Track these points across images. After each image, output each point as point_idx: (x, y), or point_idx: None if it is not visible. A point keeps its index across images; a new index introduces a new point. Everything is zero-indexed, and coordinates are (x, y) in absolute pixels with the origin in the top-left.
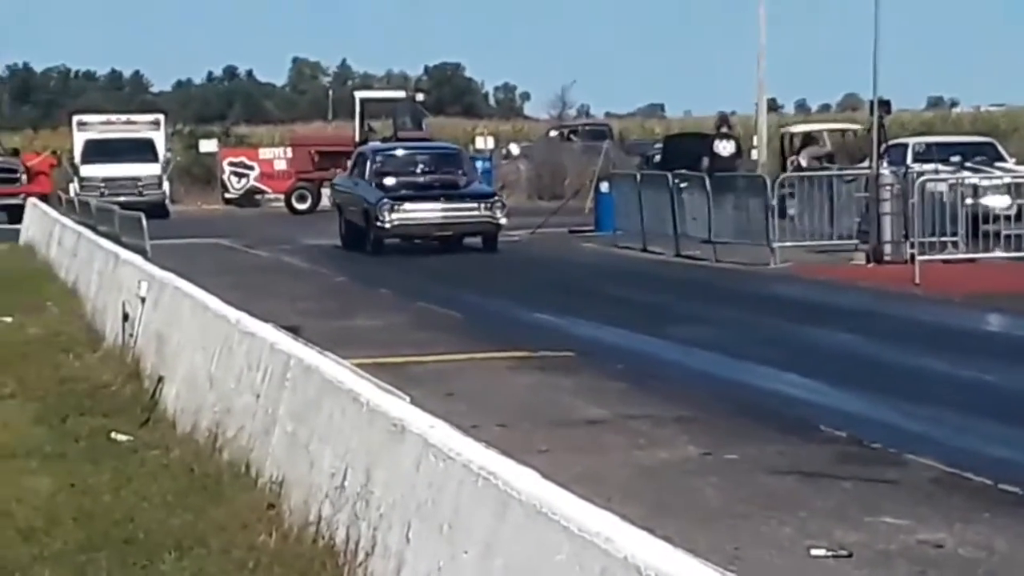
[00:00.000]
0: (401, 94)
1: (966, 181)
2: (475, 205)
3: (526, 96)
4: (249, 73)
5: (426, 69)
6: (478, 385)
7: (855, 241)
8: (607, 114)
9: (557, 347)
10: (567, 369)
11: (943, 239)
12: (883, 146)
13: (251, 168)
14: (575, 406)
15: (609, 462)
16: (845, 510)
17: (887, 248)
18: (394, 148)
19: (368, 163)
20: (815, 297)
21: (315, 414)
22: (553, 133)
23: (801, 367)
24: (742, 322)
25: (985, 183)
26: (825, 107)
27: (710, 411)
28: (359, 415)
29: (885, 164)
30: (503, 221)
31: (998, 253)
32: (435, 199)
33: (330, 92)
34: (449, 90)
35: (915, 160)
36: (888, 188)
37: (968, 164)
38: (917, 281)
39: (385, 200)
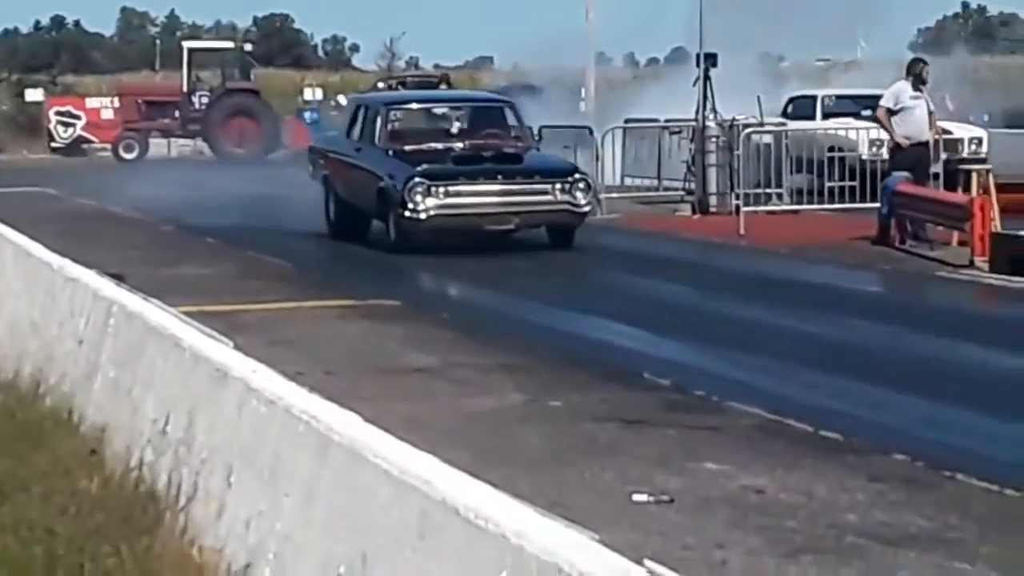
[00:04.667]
0: (229, 44)
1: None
2: (546, 186)
3: (355, 48)
4: (77, 23)
5: (255, 20)
6: (305, 333)
7: (681, 192)
8: (436, 66)
9: (385, 296)
10: (394, 318)
11: (768, 191)
12: (788, 103)
13: (78, 117)
14: (402, 354)
15: (435, 409)
16: (667, 457)
17: (713, 199)
18: (411, 99)
19: (378, 120)
20: (641, 248)
21: (138, 360)
22: (381, 84)
23: (627, 317)
24: (569, 272)
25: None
26: (653, 60)
27: (536, 359)
28: (182, 360)
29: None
30: (587, 208)
31: (822, 205)
32: (490, 177)
33: (158, 42)
34: (278, 41)
35: (825, 115)
36: (714, 140)
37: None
38: (742, 232)
39: (417, 179)
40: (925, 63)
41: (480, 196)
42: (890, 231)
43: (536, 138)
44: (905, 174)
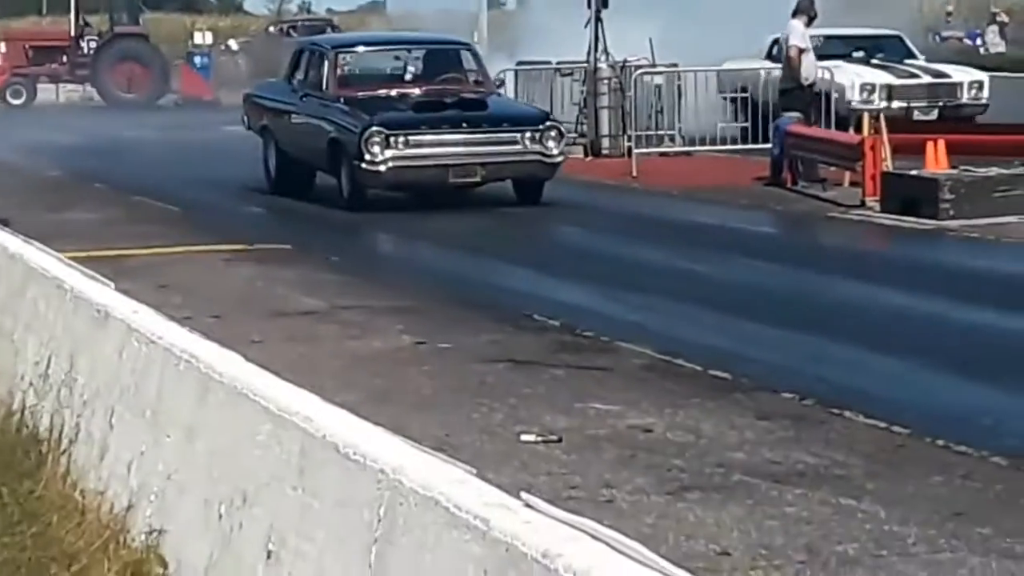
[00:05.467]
0: None
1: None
2: (515, 135)
3: None
4: None
5: None
6: (193, 277)
7: (573, 135)
8: (328, 10)
9: (273, 239)
10: (283, 261)
11: (660, 133)
12: (773, 44)
13: None
14: (290, 298)
15: (323, 351)
16: (556, 397)
17: (605, 142)
18: (360, 41)
19: (324, 65)
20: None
21: (20, 303)
22: (272, 29)
23: (517, 259)
24: (460, 215)
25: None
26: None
27: (425, 302)
28: (63, 302)
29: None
30: (560, 159)
31: (713, 147)
32: (455, 125)
33: None
34: None
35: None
36: (605, 82)
37: (874, 61)
38: (634, 174)
39: (374, 127)
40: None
41: (444, 147)
42: (782, 172)
43: (497, 83)
44: (797, 115)
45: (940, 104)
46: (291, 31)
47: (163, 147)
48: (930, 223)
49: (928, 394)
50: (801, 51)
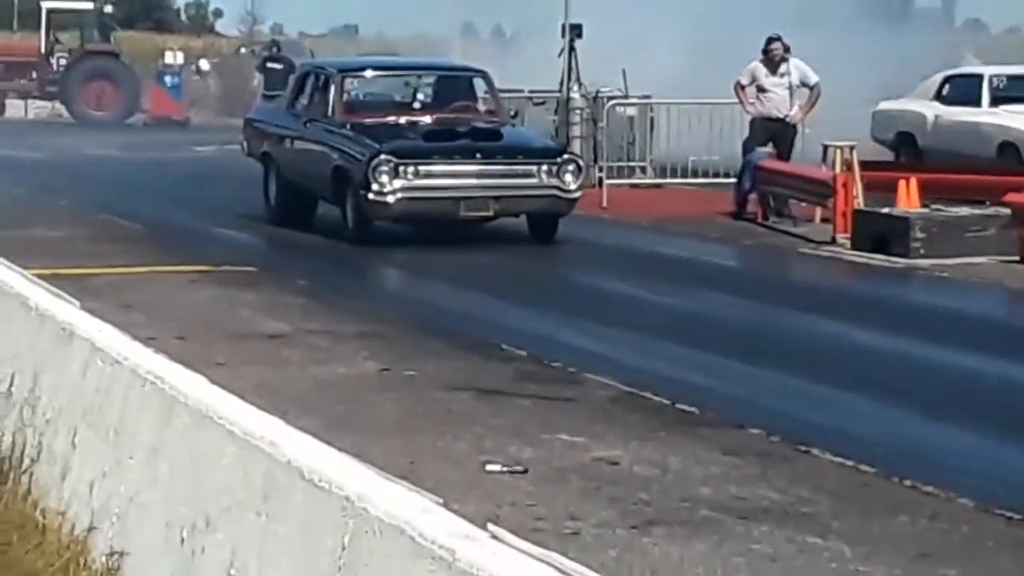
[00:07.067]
0: (89, 6)
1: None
2: (531, 167)
3: (218, 13)
4: None
5: None
6: (158, 298)
7: None
8: (301, 33)
9: (239, 262)
10: (248, 284)
11: (631, 164)
12: (932, 77)
13: None
14: (255, 320)
15: (287, 375)
16: (522, 427)
17: None
18: (369, 65)
19: (331, 90)
20: (502, 219)
21: None
22: (243, 50)
23: (486, 288)
24: (431, 244)
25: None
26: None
27: (392, 328)
28: (28, 319)
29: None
30: (577, 194)
31: (685, 179)
32: (468, 155)
33: (16, 2)
34: (139, 4)
35: (993, 100)
36: (578, 112)
37: None
38: (604, 205)
39: (383, 156)
40: (774, 39)
41: (456, 178)
42: (747, 206)
43: (513, 114)
44: (768, 149)
45: None
46: (264, 51)
47: (131, 166)
48: (901, 261)
49: (896, 433)
50: (743, 87)
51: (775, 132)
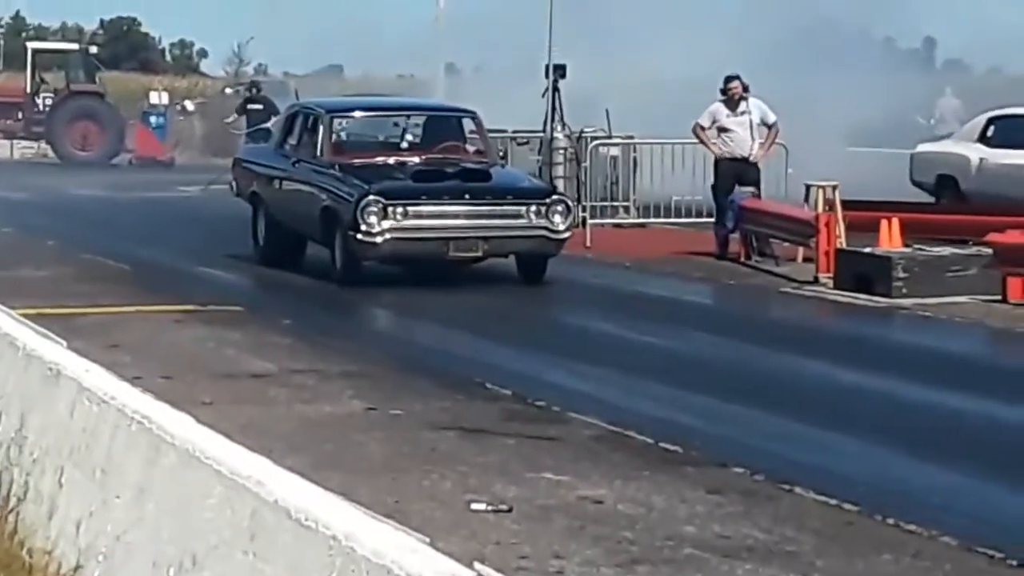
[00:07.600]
0: (74, 46)
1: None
2: (520, 208)
3: (203, 53)
4: None
5: (101, 23)
6: (144, 337)
7: None
8: (286, 73)
9: (225, 301)
10: (234, 323)
11: (615, 204)
12: (976, 119)
13: None
14: (241, 359)
15: (273, 415)
16: (506, 466)
17: None
18: (357, 106)
19: (320, 130)
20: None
21: None
22: (229, 90)
23: (472, 328)
24: (416, 284)
25: None
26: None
27: (378, 367)
28: (15, 359)
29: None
30: (566, 235)
31: (668, 219)
32: (456, 196)
33: (1, 43)
34: (125, 45)
35: None
36: (561, 152)
37: None
38: (588, 244)
39: (371, 196)
40: (732, 78)
41: (444, 219)
42: (728, 246)
43: (501, 154)
44: (751, 189)
45: None
46: (245, 92)
47: (116, 206)
48: (883, 301)
49: (879, 472)
50: (704, 128)
51: (740, 172)
